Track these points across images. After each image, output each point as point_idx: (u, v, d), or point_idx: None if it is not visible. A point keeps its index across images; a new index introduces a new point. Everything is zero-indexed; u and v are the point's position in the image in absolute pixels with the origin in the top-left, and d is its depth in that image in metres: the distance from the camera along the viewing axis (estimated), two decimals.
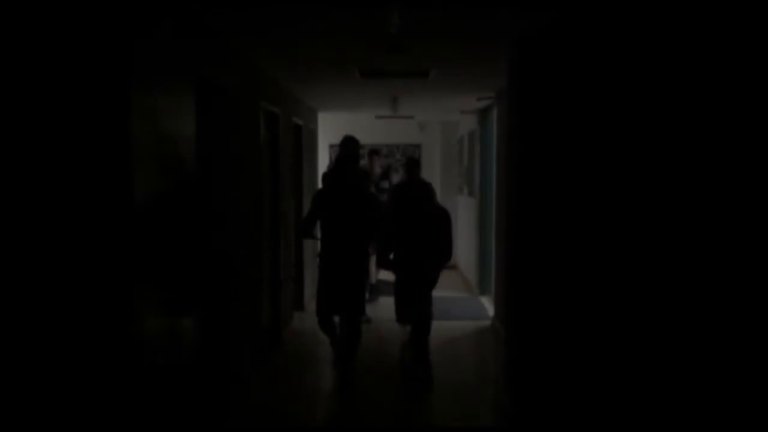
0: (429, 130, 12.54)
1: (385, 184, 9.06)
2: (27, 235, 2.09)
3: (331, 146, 11.44)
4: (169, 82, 3.35)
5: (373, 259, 7.42)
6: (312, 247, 7.97)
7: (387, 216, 6.07)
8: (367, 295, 7.90)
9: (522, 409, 4.53)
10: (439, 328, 6.51)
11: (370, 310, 7.40)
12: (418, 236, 5.67)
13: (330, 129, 11.10)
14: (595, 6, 3.34)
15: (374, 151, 8.85)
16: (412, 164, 6.26)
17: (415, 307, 5.73)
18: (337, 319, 5.52)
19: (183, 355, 3.52)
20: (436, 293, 5.87)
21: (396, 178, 9.26)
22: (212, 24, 4.00)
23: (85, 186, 2.47)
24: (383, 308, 7.84)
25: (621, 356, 3.00)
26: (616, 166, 3.16)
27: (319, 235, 5.70)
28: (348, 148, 5.77)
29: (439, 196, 6.68)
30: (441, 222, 5.69)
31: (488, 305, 8.36)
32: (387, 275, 7.91)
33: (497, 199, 7.44)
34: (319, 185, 6.30)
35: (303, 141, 8.14)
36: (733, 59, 2.13)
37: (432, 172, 11.48)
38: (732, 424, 2.11)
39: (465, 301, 8.81)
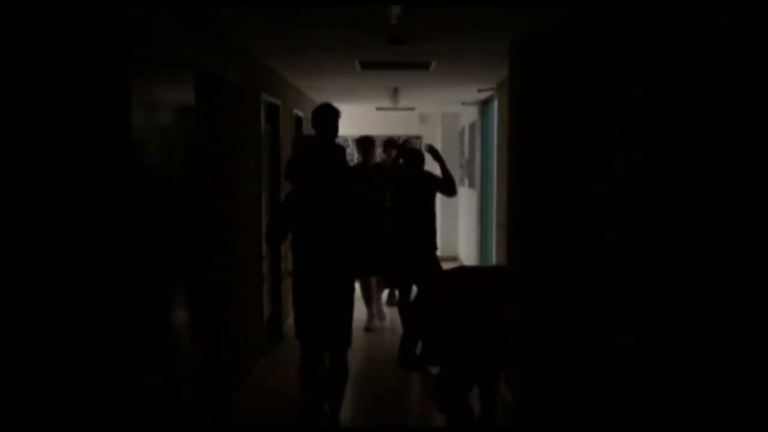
0: (430, 122, 12.52)
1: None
2: (25, 231, 2.09)
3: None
4: (170, 74, 3.34)
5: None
6: None
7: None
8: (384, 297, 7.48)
9: (523, 403, 4.54)
10: None
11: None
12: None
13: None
14: (595, 2, 3.33)
15: (390, 142, 7.63)
16: (417, 157, 5.81)
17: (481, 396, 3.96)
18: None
19: (183, 348, 3.52)
20: None
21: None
22: (212, 16, 3.98)
23: (86, 178, 2.46)
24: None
25: (622, 350, 3.00)
26: (615, 160, 3.15)
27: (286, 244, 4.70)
28: (327, 119, 4.47)
29: None
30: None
31: None
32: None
33: (498, 191, 7.43)
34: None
35: (304, 132, 8.13)
36: (729, 57, 2.13)
37: (433, 165, 11.47)
38: (731, 420, 2.11)
39: None
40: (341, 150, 4.36)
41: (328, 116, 4.47)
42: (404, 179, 5.95)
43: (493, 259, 8.00)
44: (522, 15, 4.00)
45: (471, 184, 10.06)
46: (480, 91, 7.93)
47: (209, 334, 4.05)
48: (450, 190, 5.91)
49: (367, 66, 6.09)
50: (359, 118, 11.27)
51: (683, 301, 2.44)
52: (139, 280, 2.85)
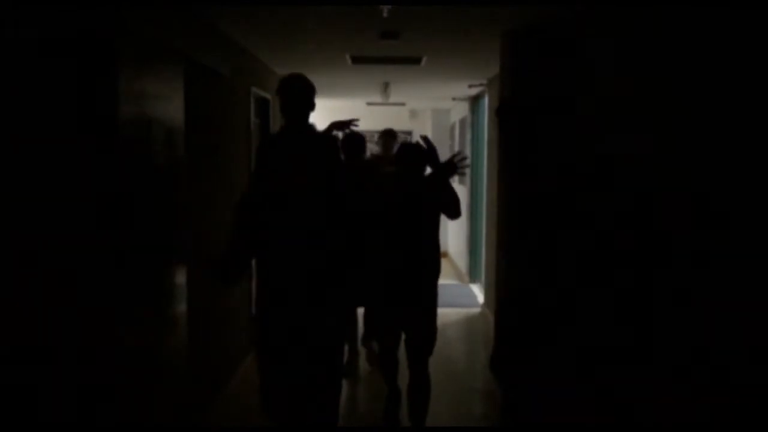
0: (420, 117, 12.51)
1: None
2: (8, 224, 2.06)
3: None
4: (159, 66, 3.30)
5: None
6: None
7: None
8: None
9: (512, 397, 4.54)
10: None
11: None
12: None
13: (321, 115, 11.05)
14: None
15: (389, 133, 6.18)
16: (414, 154, 3.93)
17: None
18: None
19: (171, 345, 3.50)
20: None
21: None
22: (202, 8, 3.95)
23: (71, 171, 2.43)
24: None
25: (610, 344, 3.00)
26: (606, 156, 3.15)
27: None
28: (296, 95, 3.27)
29: None
30: None
31: (478, 293, 8.39)
32: None
33: (488, 186, 7.43)
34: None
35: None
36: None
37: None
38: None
39: (455, 289, 8.82)
40: (325, 142, 3.32)
41: (291, 92, 3.20)
42: (396, 187, 4.02)
43: (483, 255, 8.01)
44: (513, 11, 3.99)
45: (461, 180, 10.07)
46: (470, 86, 7.92)
47: (196, 329, 4.03)
48: (451, 208, 3.87)
49: (358, 60, 6.07)
50: (349, 113, 11.23)
51: (679, 297, 2.44)
52: (125, 275, 2.82)
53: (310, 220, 2.83)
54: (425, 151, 3.83)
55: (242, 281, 2.91)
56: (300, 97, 3.23)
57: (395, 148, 5.34)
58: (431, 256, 3.97)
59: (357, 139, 5.09)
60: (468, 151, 9.26)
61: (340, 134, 4.81)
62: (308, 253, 2.83)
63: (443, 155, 4.01)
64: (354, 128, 4.73)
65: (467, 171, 9.32)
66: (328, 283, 2.88)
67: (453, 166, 3.77)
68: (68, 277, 2.40)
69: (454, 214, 3.87)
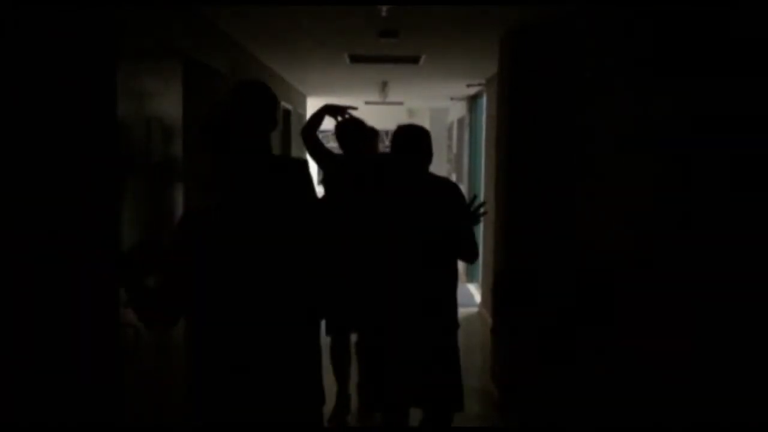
0: (418, 117, 12.52)
1: None
2: (6, 221, 2.06)
3: (322, 132, 11.35)
4: (157, 64, 3.30)
5: None
6: None
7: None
8: None
9: (509, 396, 4.55)
10: None
11: None
12: None
13: None
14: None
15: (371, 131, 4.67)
16: (414, 139, 3.15)
17: None
18: None
19: (169, 344, 3.49)
20: None
21: None
22: (201, 6, 3.94)
23: (70, 169, 2.43)
24: None
25: (607, 345, 3.01)
26: (603, 156, 3.15)
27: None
28: (251, 103, 2.56)
29: None
30: None
31: (475, 292, 8.39)
32: None
33: (485, 186, 7.44)
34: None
35: (292, 126, 8.10)
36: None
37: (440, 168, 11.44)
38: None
39: None
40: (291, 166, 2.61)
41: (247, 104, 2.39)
42: (389, 187, 3.24)
43: (480, 255, 8.00)
44: (513, 11, 3.99)
45: (459, 180, 10.07)
46: (469, 86, 7.92)
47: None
48: (470, 256, 3.23)
49: (356, 59, 6.07)
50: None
51: (674, 298, 2.44)
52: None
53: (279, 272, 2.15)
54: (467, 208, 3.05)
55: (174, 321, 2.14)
56: (261, 110, 2.38)
57: (380, 147, 4.87)
58: (446, 288, 3.16)
59: (355, 130, 4.27)
60: (465, 151, 9.26)
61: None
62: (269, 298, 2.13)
63: (442, 155, 3.96)
64: (351, 115, 4.05)
65: (465, 169, 9.32)
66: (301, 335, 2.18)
67: (474, 216, 3.05)
68: (66, 276, 2.40)
69: (472, 260, 3.27)
